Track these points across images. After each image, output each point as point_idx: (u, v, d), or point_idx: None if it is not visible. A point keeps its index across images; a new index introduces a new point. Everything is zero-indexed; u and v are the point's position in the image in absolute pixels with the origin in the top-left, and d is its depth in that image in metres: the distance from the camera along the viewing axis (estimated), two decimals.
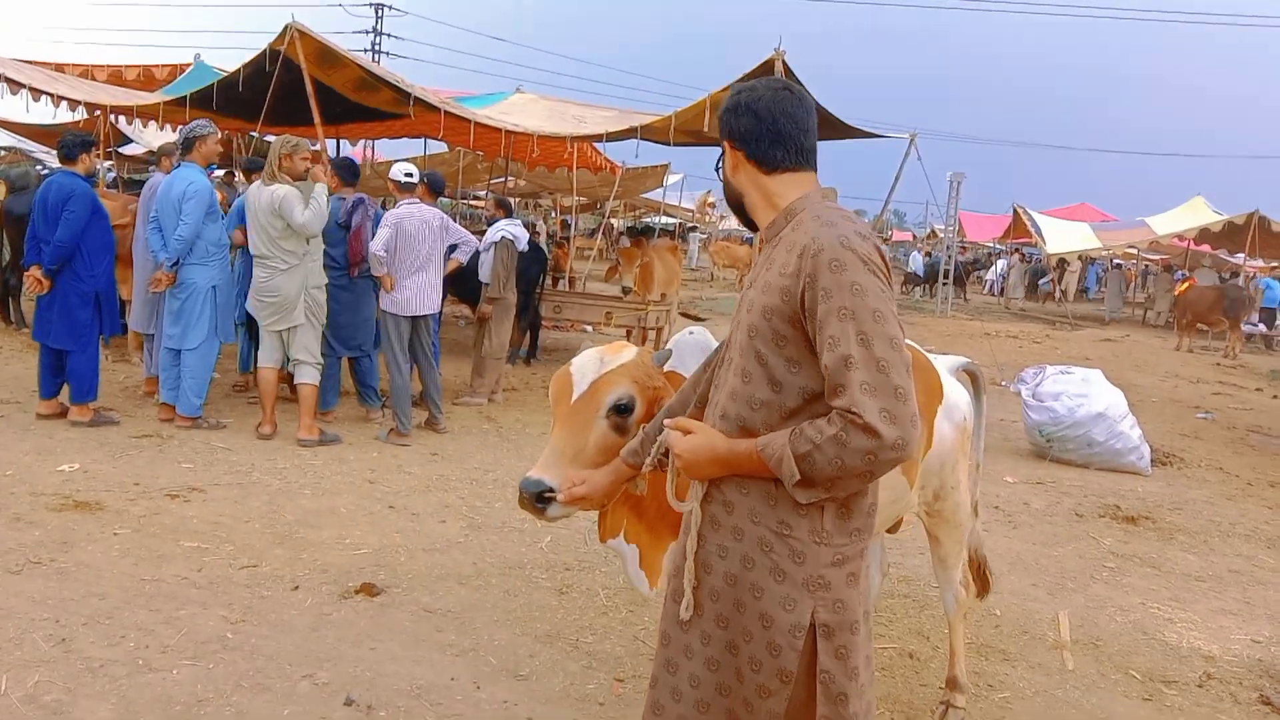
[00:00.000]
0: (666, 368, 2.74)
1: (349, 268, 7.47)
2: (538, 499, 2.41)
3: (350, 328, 7.59)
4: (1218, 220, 22.93)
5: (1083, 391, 8.49)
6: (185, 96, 10.26)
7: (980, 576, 4.16)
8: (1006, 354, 15.56)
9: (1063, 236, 24.72)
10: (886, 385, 1.84)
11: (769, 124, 2.12)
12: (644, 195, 26.14)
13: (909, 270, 31.11)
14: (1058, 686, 4.20)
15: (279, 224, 6.70)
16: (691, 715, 2.10)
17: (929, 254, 32.21)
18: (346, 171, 7.87)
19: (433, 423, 7.60)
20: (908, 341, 2.03)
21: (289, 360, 7.04)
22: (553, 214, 30.24)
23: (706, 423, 2.14)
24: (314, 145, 7.98)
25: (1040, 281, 32.29)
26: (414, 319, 7.37)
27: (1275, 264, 29.57)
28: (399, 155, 19.78)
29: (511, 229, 8.94)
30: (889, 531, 4.03)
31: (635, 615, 4.50)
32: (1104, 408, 8.36)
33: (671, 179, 23.55)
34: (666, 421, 2.18)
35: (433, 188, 7.68)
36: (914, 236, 48.07)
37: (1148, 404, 12.02)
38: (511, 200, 15.06)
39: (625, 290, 11.92)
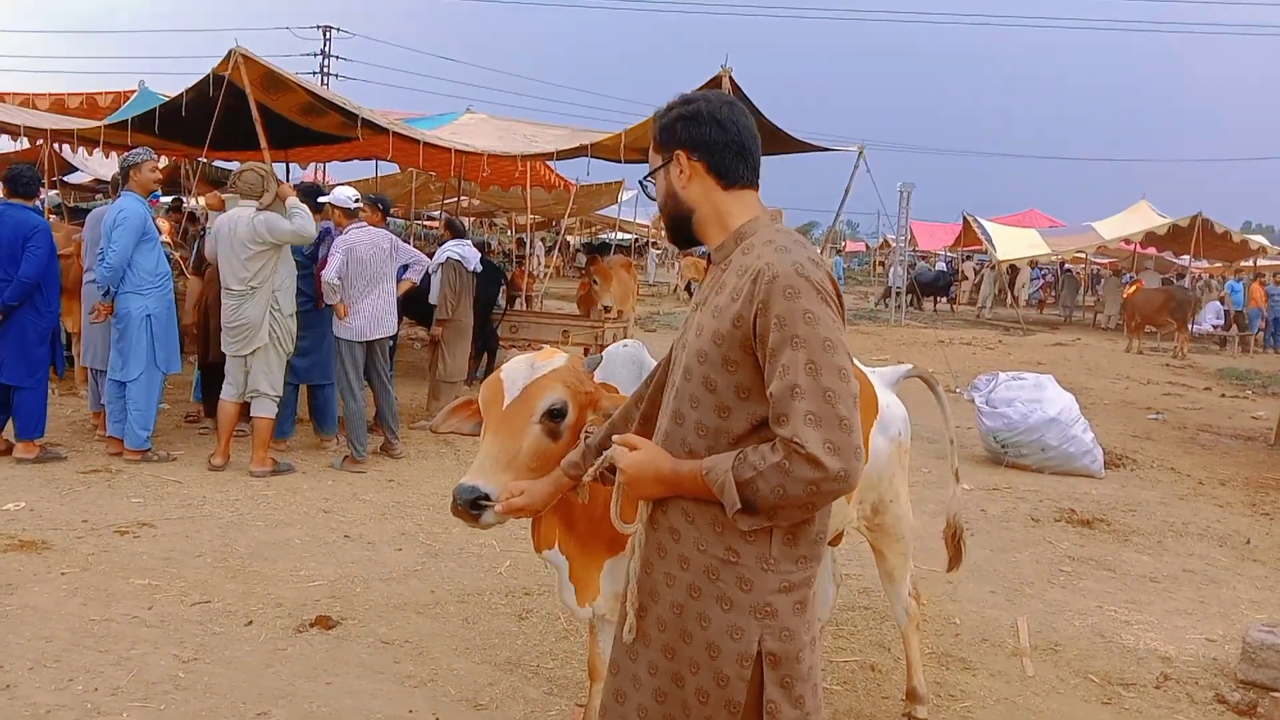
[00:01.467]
0: (597, 377, 2.72)
1: (317, 299, 7.36)
2: (472, 505, 2.35)
3: (316, 355, 7.49)
4: (1163, 224, 23.40)
5: (1035, 397, 8.59)
6: (127, 121, 10.10)
7: (955, 545, 4.15)
8: (960, 361, 15.73)
9: (1012, 243, 25.10)
10: (832, 416, 1.82)
11: (734, 136, 2.07)
12: (599, 212, 26.18)
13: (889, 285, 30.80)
14: (1018, 694, 4.23)
15: (254, 247, 6.65)
16: None
17: (913, 265, 32.06)
18: (311, 196, 7.79)
19: (389, 448, 7.53)
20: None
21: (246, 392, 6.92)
22: (508, 233, 30.20)
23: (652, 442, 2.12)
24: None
25: (1031, 290, 32.58)
26: (369, 343, 7.30)
27: (1219, 264, 30.22)
28: (350, 178, 19.66)
29: (459, 249, 8.90)
30: (830, 544, 4.03)
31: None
32: (1056, 412, 8.46)
33: (626, 195, 23.62)
34: (615, 437, 2.13)
35: (380, 209, 7.64)
36: (867, 246, 48.53)
37: (1100, 406, 12.20)
38: (466, 220, 15.05)
39: (605, 308, 11.82)
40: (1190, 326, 20.64)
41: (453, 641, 4.33)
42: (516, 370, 2.54)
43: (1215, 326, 23.31)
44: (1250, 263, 27.14)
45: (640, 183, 2.20)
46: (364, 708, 3.68)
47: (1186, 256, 25.38)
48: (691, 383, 2.01)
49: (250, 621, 4.41)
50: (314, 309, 7.34)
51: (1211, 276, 33.50)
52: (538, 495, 2.38)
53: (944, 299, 30.33)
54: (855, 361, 2.17)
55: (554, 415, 2.49)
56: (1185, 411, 12.61)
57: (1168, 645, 4.87)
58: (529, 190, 15.54)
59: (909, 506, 3.82)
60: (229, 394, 6.88)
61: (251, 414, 6.87)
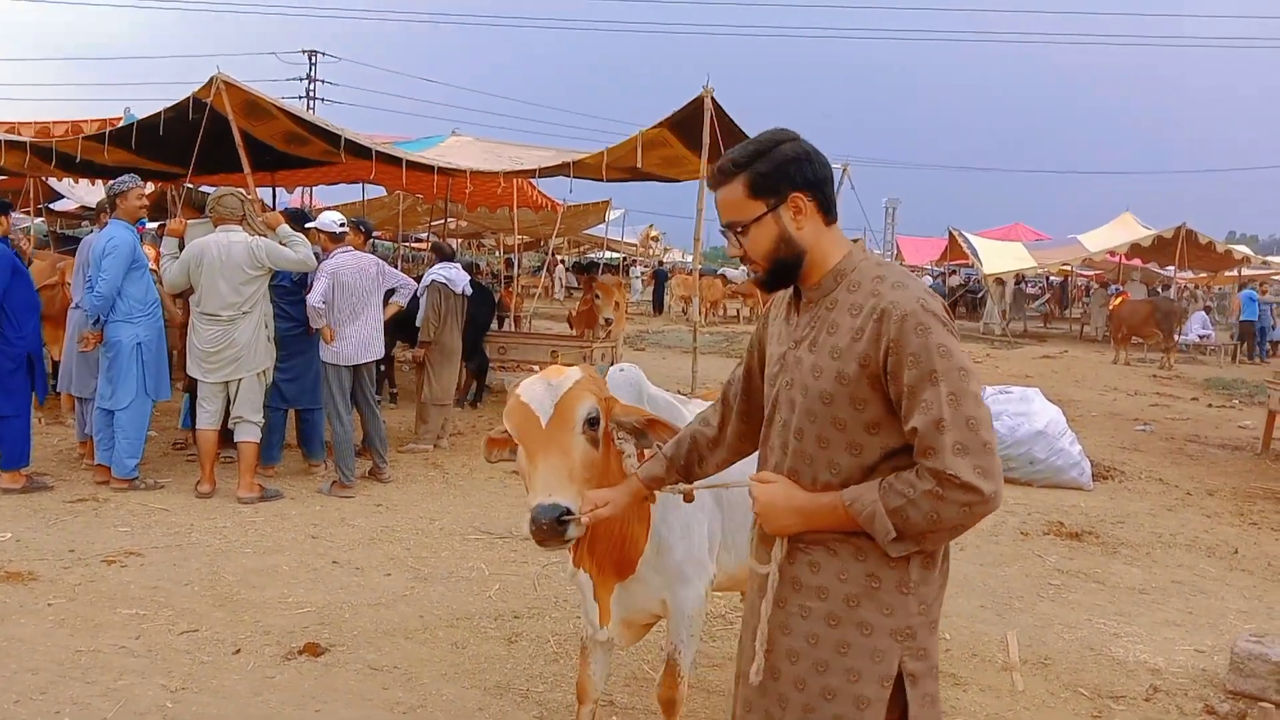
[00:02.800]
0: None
1: (306, 325, 7.34)
2: (557, 522, 2.37)
3: (304, 380, 7.48)
4: (1147, 235, 23.53)
5: (1022, 410, 8.63)
6: (104, 134, 10.04)
7: None
8: None
9: (998, 257, 25.20)
10: (978, 443, 1.90)
11: (829, 171, 2.12)
12: (586, 231, 26.24)
13: None
14: (1008, 709, 4.23)
15: (252, 272, 6.68)
16: None
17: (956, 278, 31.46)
18: (298, 220, 7.80)
19: (377, 472, 7.52)
20: None
21: (229, 418, 6.91)
22: (496, 253, 30.25)
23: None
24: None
25: (1036, 304, 32.55)
26: (356, 367, 7.31)
27: (1204, 275, 30.39)
28: (337, 201, 19.69)
29: (445, 272, 8.91)
30: None
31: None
32: (1044, 425, 8.50)
33: (614, 214, 23.72)
34: (751, 475, 2.17)
35: (363, 231, 7.66)
36: None
37: (1087, 418, 12.25)
38: (454, 241, 15.07)
39: (607, 321, 11.89)
40: (1177, 337, 20.76)
41: (441, 667, 4.32)
42: (536, 390, 2.57)
43: (1202, 337, 23.42)
44: (1235, 273, 27.32)
45: (723, 232, 2.17)
46: None
47: (1172, 267, 25.52)
48: (818, 424, 2.04)
49: (238, 650, 4.39)
50: (303, 334, 7.34)
51: (1197, 287, 33.71)
52: (620, 504, 2.48)
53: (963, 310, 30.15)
54: None
55: (592, 424, 2.56)
56: (1173, 422, 12.66)
57: (1157, 657, 4.88)
58: (515, 210, 15.56)
59: None
60: (206, 421, 6.85)
61: (236, 440, 6.85)
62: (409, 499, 7.11)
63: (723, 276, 31.66)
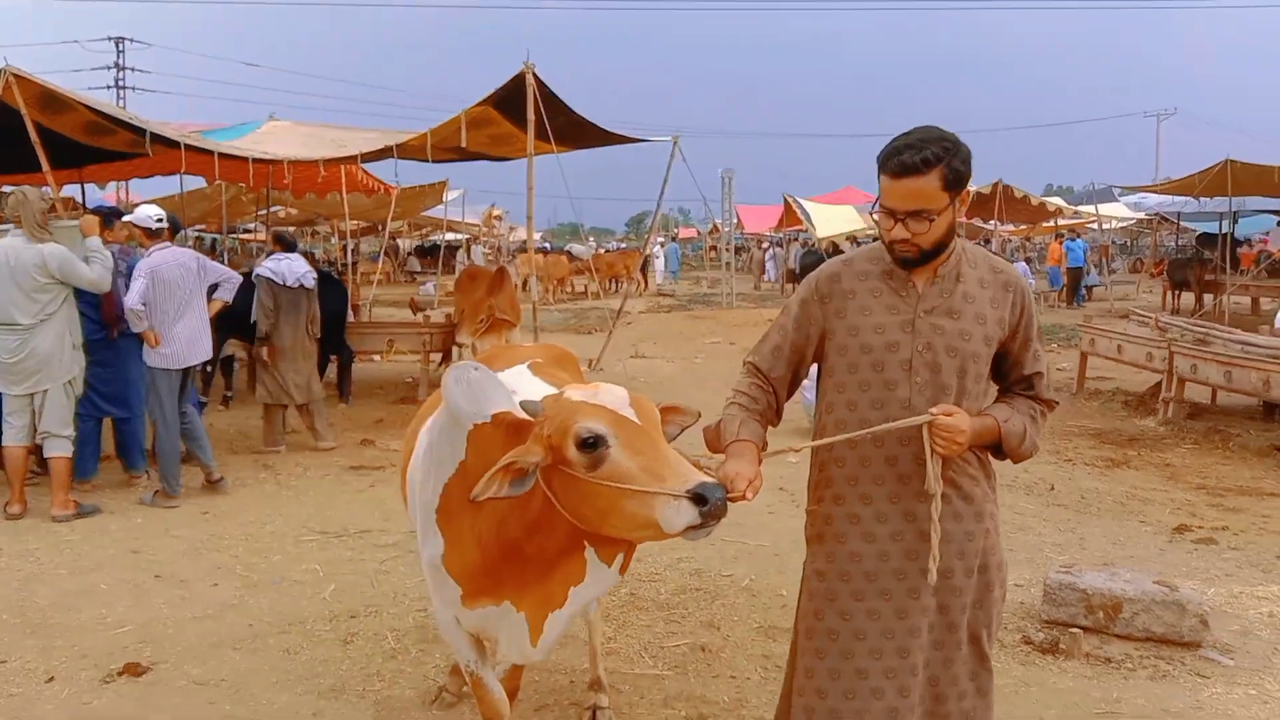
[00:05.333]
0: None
1: (108, 328, 6.93)
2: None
3: (116, 386, 7.06)
4: (967, 192, 24.56)
5: None
6: None
7: None
8: None
9: (830, 221, 25.94)
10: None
11: None
12: (426, 213, 25.73)
13: (791, 266, 29.84)
14: None
15: (43, 279, 6.24)
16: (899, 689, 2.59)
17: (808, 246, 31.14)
18: (111, 218, 7.33)
19: (208, 476, 7.14)
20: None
21: (37, 433, 6.48)
22: (333, 240, 29.33)
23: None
24: (48, 191, 7.43)
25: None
26: (186, 369, 6.94)
27: (1024, 227, 32.04)
28: (155, 195, 18.69)
29: (272, 265, 8.54)
30: None
31: (426, 654, 4.37)
32: None
33: (452, 195, 23.29)
34: (934, 409, 2.48)
35: (171, 227, 7.25)
36: (699, 232, 49.26)
37: None
38: (289, 229, 14.46)
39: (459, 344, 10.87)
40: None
41: (273, 675, 4.17)
42: (616, 395, 2.45)
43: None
44: (1052, 223, 28.87)
45: (881, 214, 2.51)
46: None
47: (993, 222, 26.78)
48: (968, 378, 2.56)
49: (51, 678, 4.13)
50: (105, 338, 6.92)
51: (1019, 238, 35.53)
52: (759, 474, 2.56)
53: None
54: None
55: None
56: None
57: None
58: (345, 195, 15.10)
59: None
60: (12, 438, 6.41)
61: (45, 455, 6.44)
62: (238, 504, 6.82)
63: (568, 253, 31.55)
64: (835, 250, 28.68)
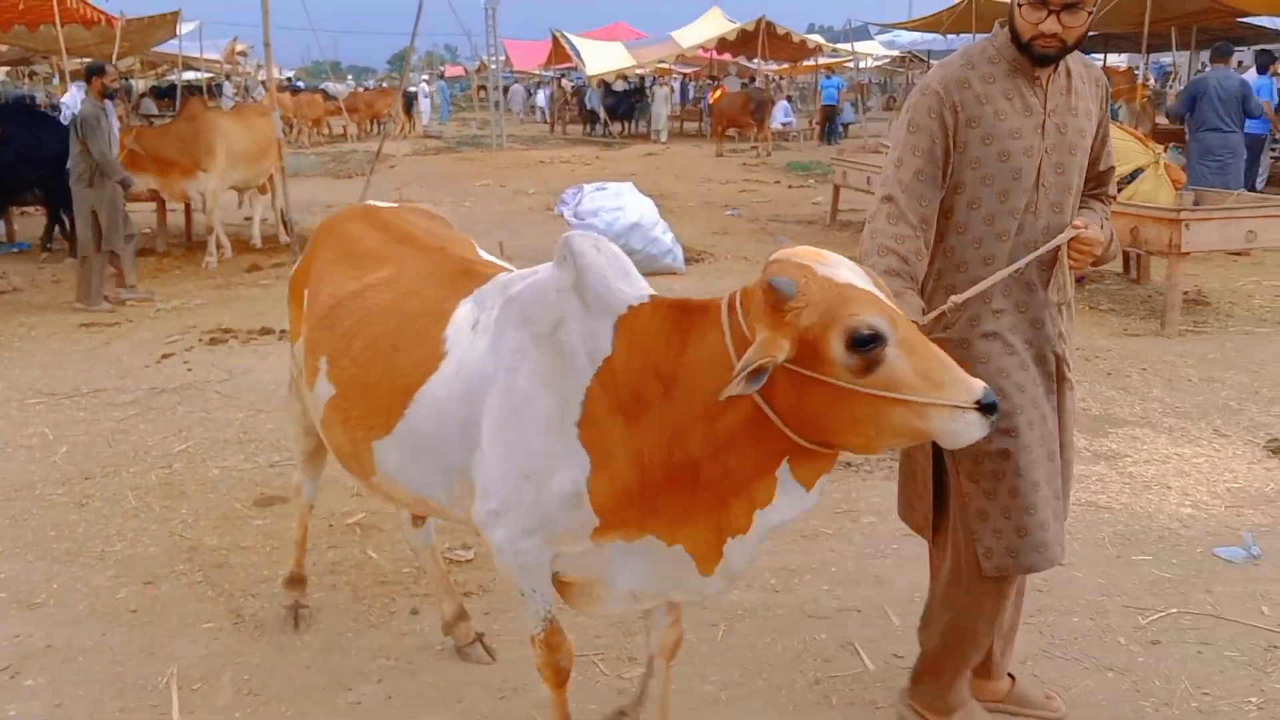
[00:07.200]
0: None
1: None
2: None
3: None
4: (732, 29, 24.67)
5: (618, 205, 8.92)
6: None
7: None
8: (560, 180, 15.97)
9: (600, 58, 25.51)
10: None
11: None
12: (158, 49, 23.38)
13: (591, 108, 27.95)
14: None
15: None
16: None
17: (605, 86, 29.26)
18: None
19: None
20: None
21: None
22: (54, 80, 26.32)
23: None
24: None
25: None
26: None
27: (786, 65, 32.59)
28: None
29: None
30: None
31: (172, 510, 4.18)
32: (638, 218, 8.87)
33: (187, 28, 21.28)
34: (1076, 222, 2.46)
35: None
36: (465, 70, 47.44)
37: (684, 209, 12.95)
38: None
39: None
40: (769, 125, 22.22)
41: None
42: (858, 270, 2.01)
43: (784, 124, 25.28)
44: (813, 61, 29.48)
45: (1059, 13, 2.34)
46: None
47: (758, 60, 27.07)
48: (1083, 177, 2.57)
49: None
50: None
51: (781, 78, 36.14)
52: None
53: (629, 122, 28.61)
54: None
55: None
56: (758, 205, 13.70)
57: None
58: (60, 29, 13.44)
59: None
60: None
61: None
62: None
63: (323, 92, 29.72)
64: (607, 89, 28.33)
